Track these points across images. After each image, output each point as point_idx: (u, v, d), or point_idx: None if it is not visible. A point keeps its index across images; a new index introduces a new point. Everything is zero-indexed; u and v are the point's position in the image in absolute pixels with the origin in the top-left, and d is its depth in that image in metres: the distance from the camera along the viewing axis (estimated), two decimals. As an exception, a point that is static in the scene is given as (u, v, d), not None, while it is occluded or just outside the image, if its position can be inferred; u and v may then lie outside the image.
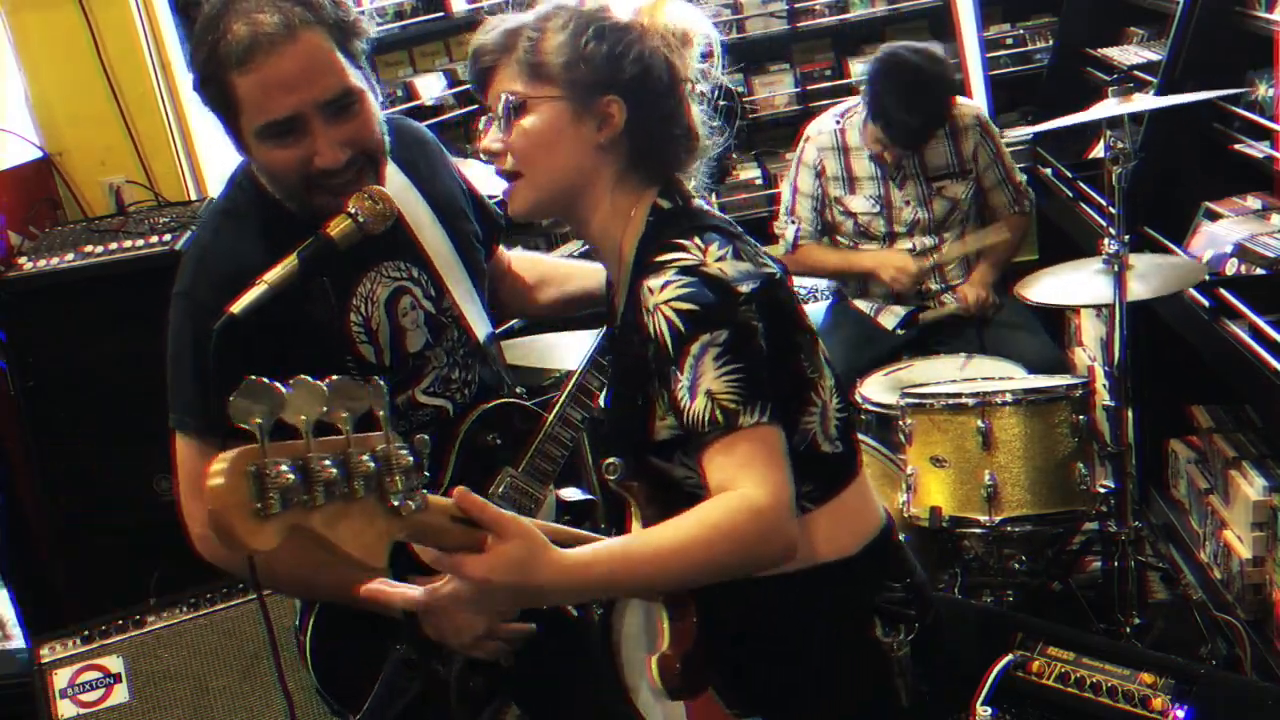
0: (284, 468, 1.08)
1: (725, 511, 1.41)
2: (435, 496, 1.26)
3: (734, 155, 4.96)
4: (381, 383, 1.19)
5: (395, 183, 1.95)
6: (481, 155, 1.68)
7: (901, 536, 2.74)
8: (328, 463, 1.11)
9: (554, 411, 2.01)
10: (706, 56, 1.68)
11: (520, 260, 2.28)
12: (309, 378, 1.13)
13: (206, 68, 1.72)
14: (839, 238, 3.79)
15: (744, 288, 1.50)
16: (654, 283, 1.51)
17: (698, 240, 1.53)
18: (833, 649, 1.63)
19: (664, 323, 1.49)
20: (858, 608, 1.63)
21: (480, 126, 1.68)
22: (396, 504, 1.17)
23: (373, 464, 1.15)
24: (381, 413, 1.17)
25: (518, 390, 2.11)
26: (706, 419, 1.45)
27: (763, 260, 1.58)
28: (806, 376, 1.60)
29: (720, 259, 1.51)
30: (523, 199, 1.64)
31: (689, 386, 1.46)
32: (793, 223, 3.79)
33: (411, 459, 1.19)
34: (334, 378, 1.14)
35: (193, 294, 1.81)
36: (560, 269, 2.31)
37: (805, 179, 3.75)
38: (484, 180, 2.25)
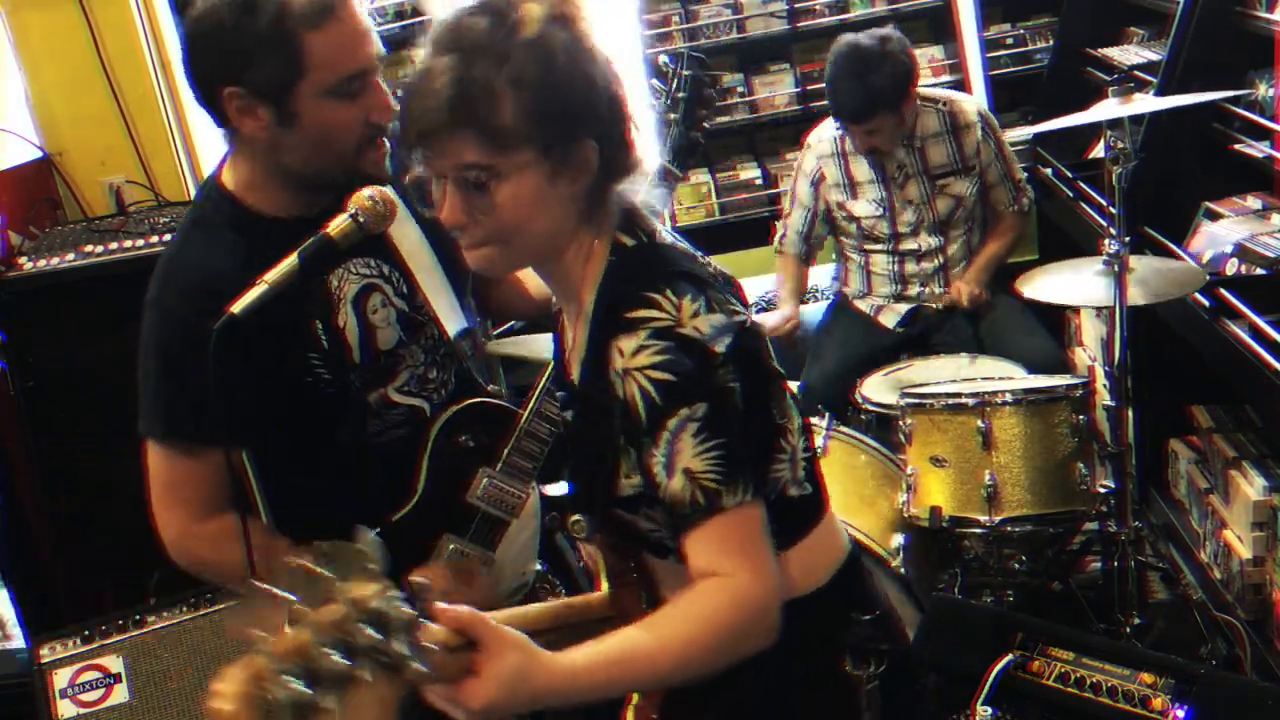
0: (291, 681, 1.05)
1: (717, 608, 1.37)
2: (431, 630, 1.21)
3: (735, 159, 4.96)
4: (372, 537, 1.18)
5: None
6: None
7: (901, 537, 2.78)
8: (335, 656, 1.08)
9: (529, 407, 1.97)
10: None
11: None
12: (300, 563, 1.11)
13: (273, 32, 1.71)
14: (845, 240, 3.79)
15: (719, 347, 1.41)
16: (626, 344, 1.40)
17: (670, 295, 1.41)
18: (803, 684, 1.59)
19: (637, 391, 1.39)
20: (827, 642, 1.60)
21: (433, 193, 1.47)
22: (404, 673, 1.14)
23: (375, 634, 1.11)
24: (372, 565, 1.14)
25: (492, 389, 2.08)
26: (687, 500, 1.39)
27: (733, 305, 1.47)
28: (776, 424, 1.52)
29: (695, 315, 1.40)
30: (492, 263, 1.49)
31: (665, 464, 1.39)
32: (782, 226, 3.86)
33: (407, 609, 1.15)
34: (322, 546, 1.12)
35: (160, 302, 1.83)
36: None
37: (802, 188, 3.78)
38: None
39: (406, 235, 1.97)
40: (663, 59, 2.12)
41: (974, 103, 3.79)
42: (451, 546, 1.97)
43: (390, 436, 1.96)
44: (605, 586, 1.66)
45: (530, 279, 2.26)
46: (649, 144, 1.55)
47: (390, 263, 1.95)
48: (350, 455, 1.92)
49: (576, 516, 1.60)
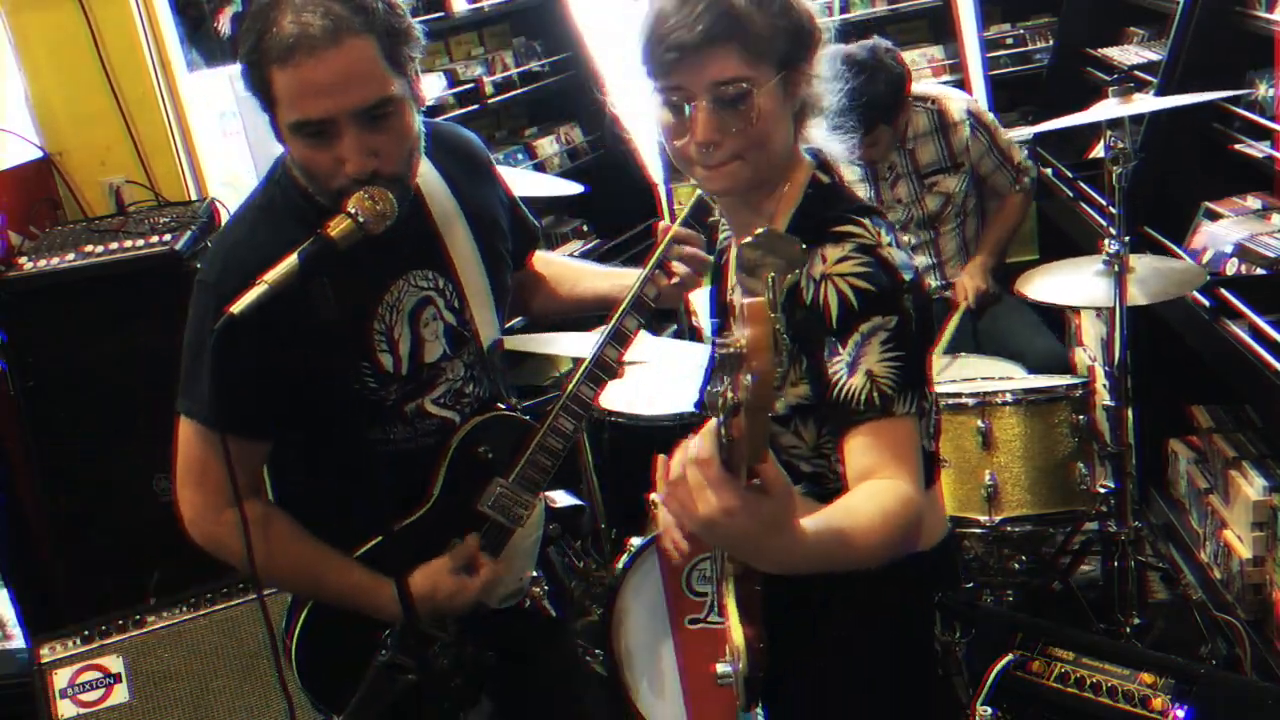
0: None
1: (895, 503, 1.41)
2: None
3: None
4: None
5: (435, 191, 1.96)
6: (692, 150, 1.56)
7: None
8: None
9: (546, 422, 2.00)
10: None
11: (536, 259, 2.27)
12: None
13: (250, 56, 1.72)
14: None
15: (906, 276, 1.52)
16: (831, 252, 1.50)
17: (870, 223, 1.53)
18: (897, 636, 1.65)
19: (835, 295, 1.48)
20: (924, 602, 1.66)
21: (668, 117, 1.56)
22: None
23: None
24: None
25: (513, 401, 2.11)
26: (863, 398, 1.45)
27: (909, 254, 1.58)
28: (928, 374, 1.59)
29: (890, 246, 1.52)
30: (737, 179, 1.58)
31: (849, 363, 1.47)
32: None
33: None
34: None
35: (219, 286, 1.78)
36: (571, 269, 2.30)
37: None
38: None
39: (459, 243, 1.97)
40: None
41: (962, 100, 3.77)
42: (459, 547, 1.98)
43: (419, 445, 1.97)
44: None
45: (560, 280, 2.26)
46: (832, 75, 1.64)
47: (445, 275, 1.95)
48: (373, 460, 1.92)
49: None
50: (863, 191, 3.66)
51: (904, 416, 1.46)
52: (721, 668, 1.54)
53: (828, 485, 1.60)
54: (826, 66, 1.62)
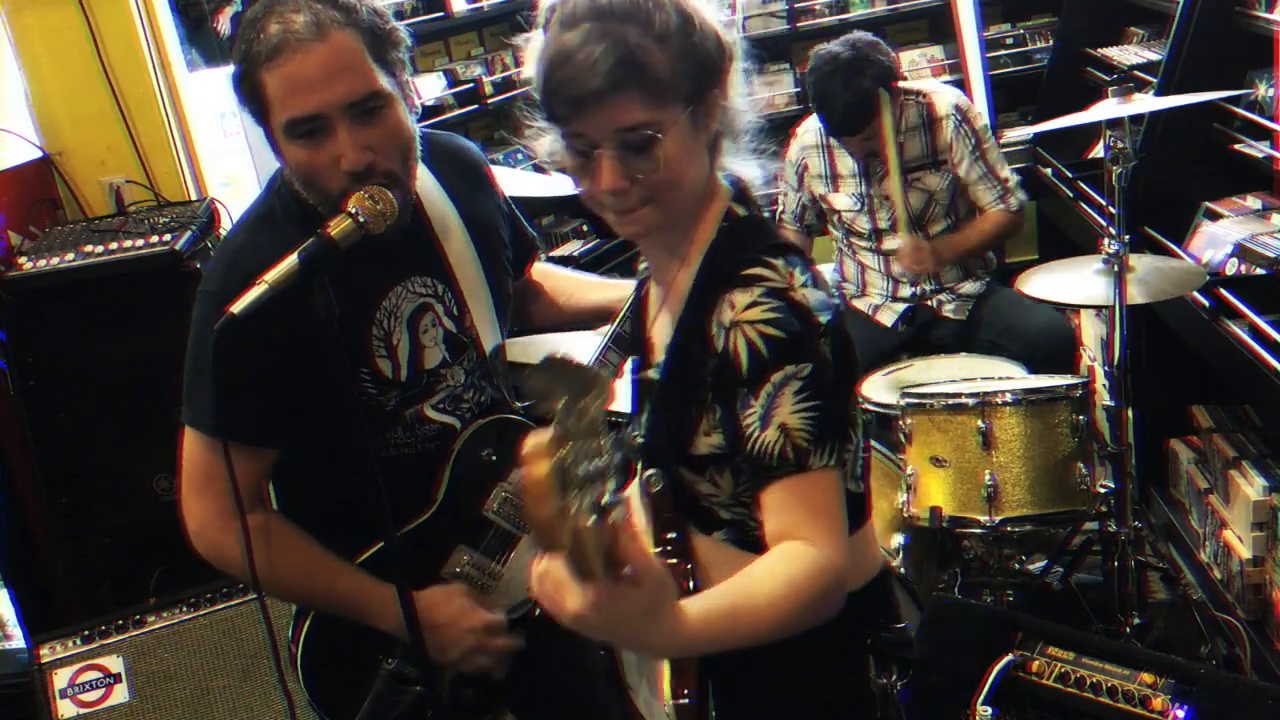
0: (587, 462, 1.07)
1: (803, 573, 1.37)
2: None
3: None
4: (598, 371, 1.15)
5: (433, 198, 1.96)
6: (601, 196, 1.49)
7: (901, 537, 2.78)
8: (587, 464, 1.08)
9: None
10: None
11: (535, 270, 2.28)
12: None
13: (242, 65, 1.74)
14: (834, 232, 3.81)
15: (822, 319, 1.45)
16: (739, 298, 1.43)
17: (782, 263, 1.46)
18: (827, 682, 1.60)
19: (744, 343, 1.42)
20: (855, 645, 1.60)
21: (573, 162, 1.48)
22: (609, 516, 1.11)
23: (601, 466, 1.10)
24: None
25: (517, 405, 2.10)
26: (777, 453, 1.40)
27: (831, 294, 1.51)
28: (850, 413, 1.54)
29: (803, 285, 1.45)
30: (651, 222, 1.51)
31: (761, 415, 1.41)
32: (781, 204, 3.88)
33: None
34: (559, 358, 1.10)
35: (221, 294, 1.77)
36: (572, 282, 2.31)
37: (789, 173, 3.81)
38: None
39: (458, 249, 1.97)
40: None
41: (951, 95, 3.69)
42: (465, 558, 1.98)
43: (419, 450, 1.97)
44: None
45: (559, 291, 2.26)
46: (746, 90, 1.56)
47: (444, 281, 1.96)
48: (373, 465, 1.92)
49: (651, 471, 1.56)
50: (853, 186, 3.66)
51: (822, 470, 1.41)
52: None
53: (749, 533, 1.53)
54: (741, 85, 1.54)
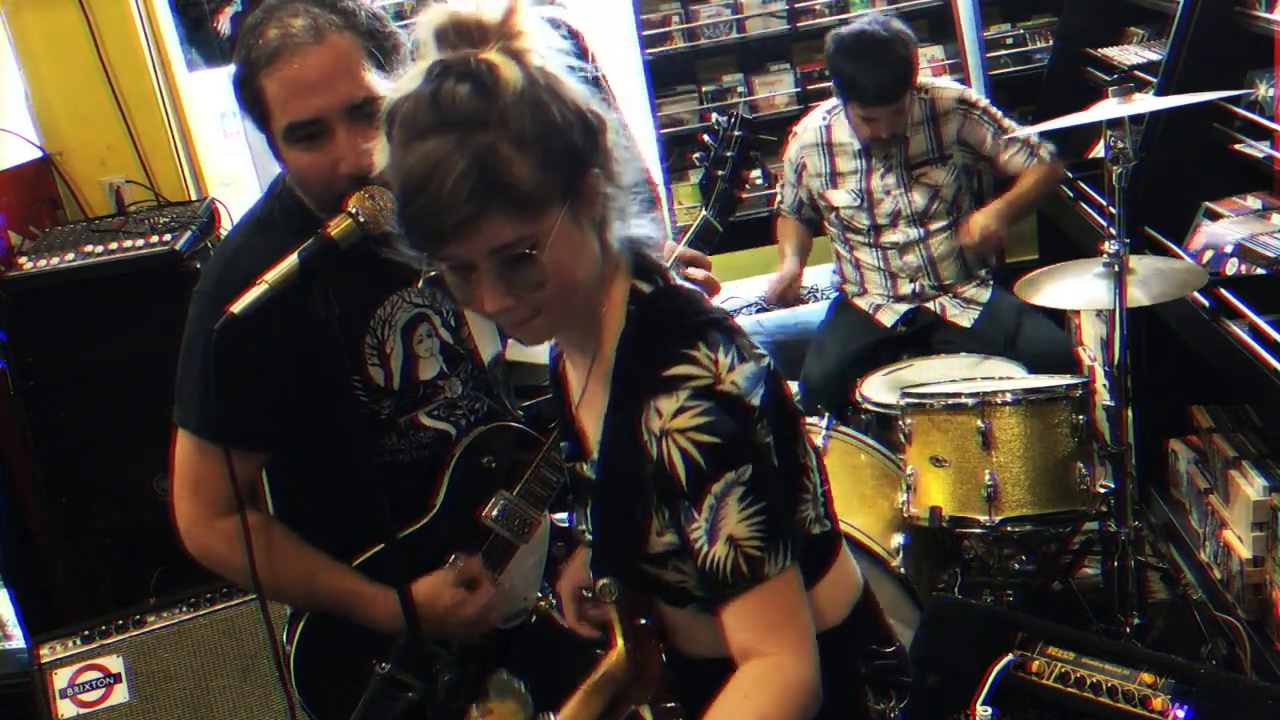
0: None
1: (777, 701, 1.36)
2: None
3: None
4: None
5: None
6: (490, 313, 1.40)
7: (901, 537, 2.78)
8: None
9: (551, 436, 1.99)
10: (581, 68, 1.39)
11: None
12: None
13: (242, 70, 1.75)
14: (831, 229, 3.81)
15: (755, 400, 1.37)
16: (665, 405, 1.35)
17: (704, 349, 1.36)
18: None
19: (679, 454, 1.35)
20: (849, 676, 1.57)
21: (454, 280, 1.38)
22: None
23: None
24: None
25: (517, 414, 2.11)
26: (730, 569, 1.36)
27: (755, 347, 1.44)
28: (800, 463, 1.49)
29: (731, 369, 1.36)
30: (548, 329, 1.44)
31: (708, 530, 1.36)
32: (780, 195, 3.92)
33: None
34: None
35: (216, 295, 1.79)
36: None
37: (788, 173, 3.83)
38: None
39: None
40: (716, 117, 2.18)
41: (954, 90, 3.70)
42: (461, 566, 1.98)
43: (414, 455, 1.97)
44: (620, 644, 1.60)
45: None
46: (626, 144, 1.44)
47: (444, 291, 1.95)
48: (368, 472, 1.92)
49: (604, 581, 1.51)
50: (852, 183, 3.65)
51: (779, 575, 1.37)
52: None
53: None
54: (615, 139, 1.40)
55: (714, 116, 2.23)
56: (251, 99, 1.76)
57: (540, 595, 2.09)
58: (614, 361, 1.45)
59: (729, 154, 2.14)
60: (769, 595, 1.38)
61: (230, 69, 1.81)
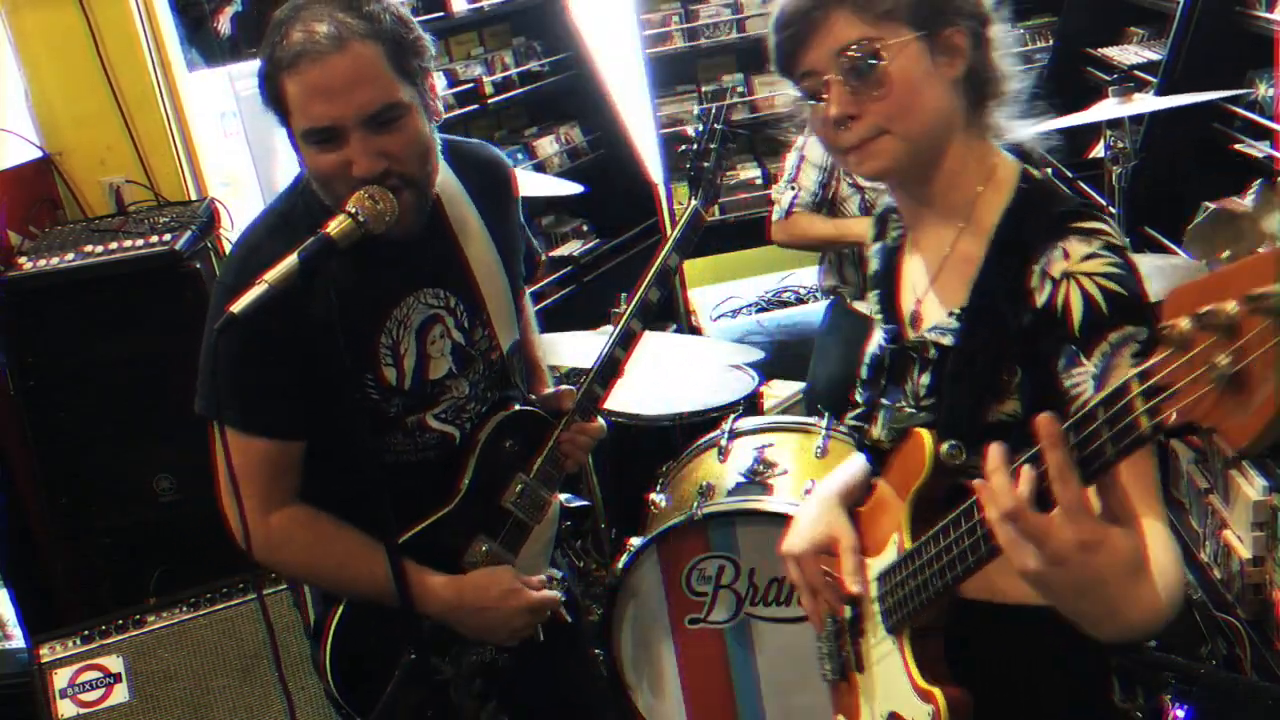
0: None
1: (1172, 554, 1.31)
2: None
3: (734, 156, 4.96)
4: None
5: (457, 204, 1.98)
6: (830, 126, 1.45)
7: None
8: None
9: (563, 420, 2.08)
10: None
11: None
12: None
13: (266, 68, 1.76)
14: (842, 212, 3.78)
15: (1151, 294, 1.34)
16: (1077, 248, 1.34)
17: (1112, 223, 1.37)
18: (1069, 709, 1.50)
19: (1079, 296, 1.31)
20: (1099, 666, 1.51)
21: (812, 110, 1.46)
22: None
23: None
24: None
25: (532, 398, 2.16)
26: None
27: None
28: None
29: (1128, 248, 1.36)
30: (891, 155, 1.44)
31: (1096, 377, 1.29)
32: (792, 189, 3.64)
33: None
34: None
35: (236, 288, 1.76)
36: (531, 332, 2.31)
37: (815, 149, 3.58)
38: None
39: (480, 254, 1.99)
40: (697, 110, 2.34)
41: None
42: (483, 548, 2.01)
43: (418, 457, 1.99)
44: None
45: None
46: (1010, 56, 1.51)
47: (458, 293, 1.97)
48: (372, 470, 1.93)
49: (950, 443, 1.43)
50: (854, 180, 3.61)
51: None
52: None
53: None
54: (999, 37, 1.47)
55: (694, 109, 2.38)
56: (274, 96, 1.77)
57: (561, 577, 2.11)
58: (996, 228, 1.45)
59: (713, 145, 2.32)
60: (1145, 458, 1.31)
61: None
